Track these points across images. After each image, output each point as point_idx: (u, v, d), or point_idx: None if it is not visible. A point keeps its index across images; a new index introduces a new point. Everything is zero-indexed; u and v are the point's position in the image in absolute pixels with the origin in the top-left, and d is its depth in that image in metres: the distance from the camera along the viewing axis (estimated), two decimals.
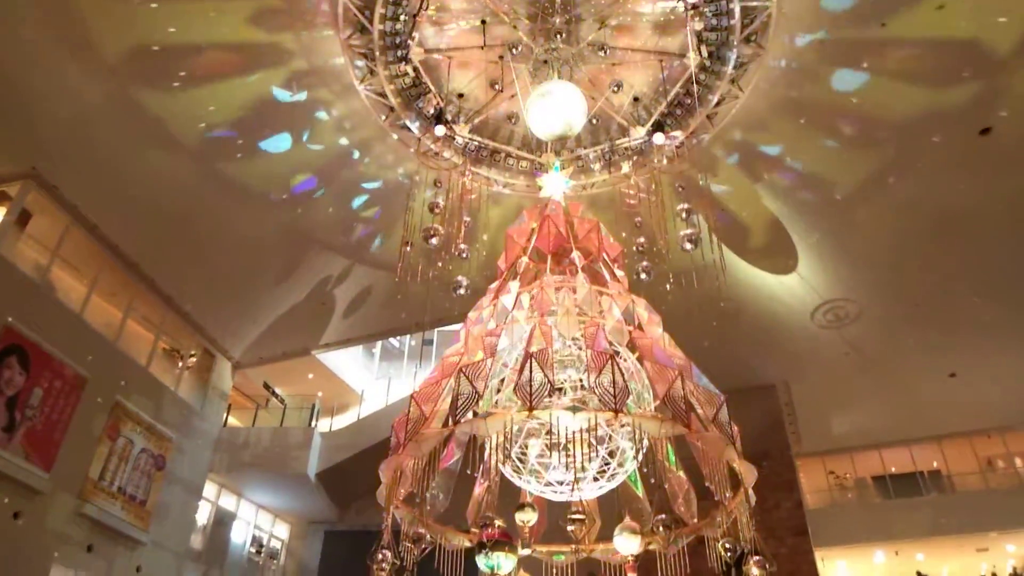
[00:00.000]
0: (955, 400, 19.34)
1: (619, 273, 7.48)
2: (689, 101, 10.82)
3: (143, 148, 11.93)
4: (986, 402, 19.69)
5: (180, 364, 17.15)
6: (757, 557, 5.85)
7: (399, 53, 10.39)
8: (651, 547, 6.85)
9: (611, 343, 6.27)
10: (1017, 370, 18.13)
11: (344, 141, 12.16)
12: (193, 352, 17.44)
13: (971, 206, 12.73)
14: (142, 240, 14.40)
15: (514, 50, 10.02)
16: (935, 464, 22.21)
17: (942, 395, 19.06)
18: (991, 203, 12.64)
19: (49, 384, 12.84)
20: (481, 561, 5.88)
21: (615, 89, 10.73)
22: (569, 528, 6.82)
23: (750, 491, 6.10)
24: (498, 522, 6.15)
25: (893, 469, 22.34)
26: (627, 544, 6.37)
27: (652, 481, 6.90)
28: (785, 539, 17.17)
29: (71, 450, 13.18)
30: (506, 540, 5.93)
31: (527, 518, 6.09)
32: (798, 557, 17.05)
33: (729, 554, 6.37)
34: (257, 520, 20.69)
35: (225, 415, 19.14)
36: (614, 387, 5.38)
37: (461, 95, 11.21)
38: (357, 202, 13.61)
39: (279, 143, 12.13)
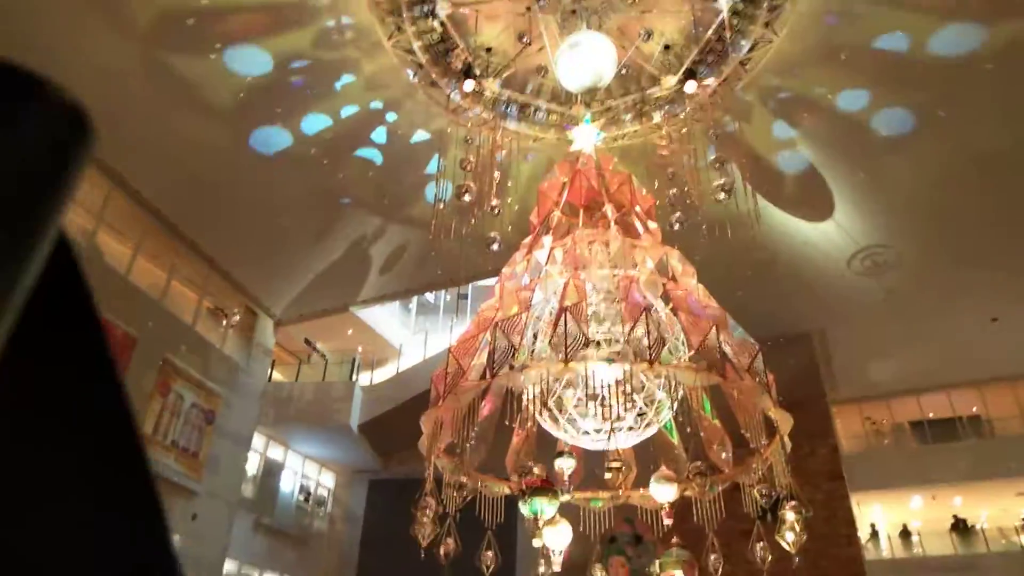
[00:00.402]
0: (997, 344, 19.03)
1: (652, 225, 7.51)
2: (721, 47, 10.58)
3: (180, 114, 12.13)
4: None
5: (224, 322, 17.67)
6: (793, 502, 6.00)
7: (426, 8, 10.32)
8: (687, 494, 7.02)
9: (645, 295, 6.35)
10: None
11: (374, 100, 12.19)
12: (236, 310, 17.94)
13: (1010, 147, 12.35)
14: (182, 204, 14.74)
15: (541, 1, 9.88)
16: (975, 409, 22.00)
17: (983, 340, 18.77)
18: None
19: None
20: (524, 507, 6.09)
21: (645, 38, 10.54)
22: (606, 476, 7.01)
23: (785, 438, 6.21)
24: (537, 470, 6.34)
25: (931, 415, 22.21)
26: (663, 492, 6.54)
27: (688, 430, 7.03)
28: (821, 485, 17.29)
29: None
30: (548, 486, 6.12)
31: (566, 465, 6.27)
32: (834, 502, 17.19)
33: (764, 500, 6.51)
34: (304, 470, 21.49)
35: (269, 370, 19.75)
36: (648, 338, 5.48)
37: (489, 49, 11.10)
38: (389, 160, 13.70)
39: (310, 105, 12.22)
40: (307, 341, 22.32)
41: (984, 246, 15.08)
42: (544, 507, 6.01)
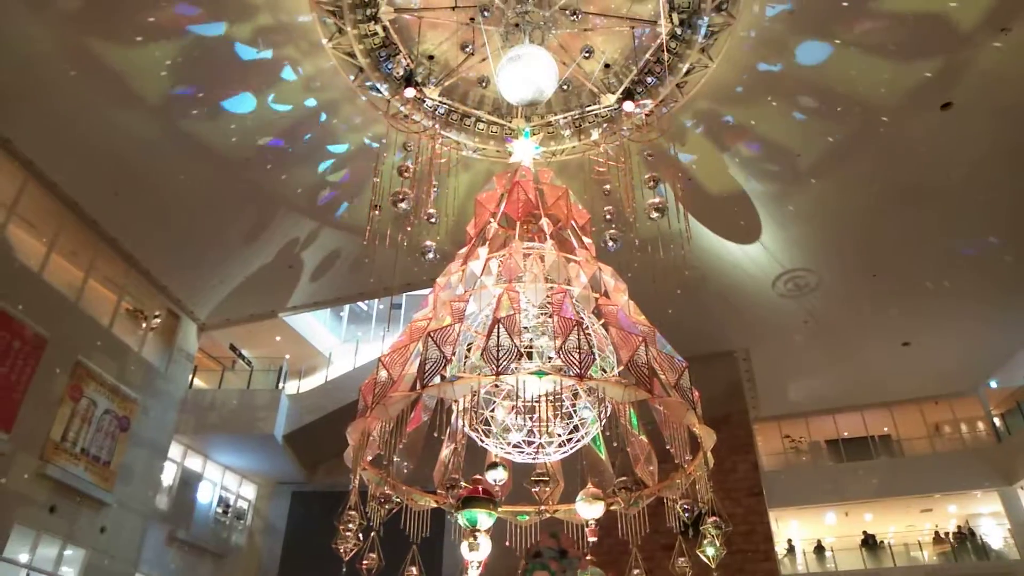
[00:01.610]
0: (907, 368, 20.04)
1: (587, 240, 7.57)
2: (660, 69, 10.84)
3: (103, 103, 11.62)
4: (936, 371, 20.45)
5: (144, 325, 16.94)
6: (713, 517, 6.10)
7: (368, 11, 10.21)
8: (612, 508, 7.07)
9: (577, 310, 6.38)
10: (966, 341, 18.86)
11: (311, 102, 11.97)
12: (157, 313, 17.23)
13: (930, 180, 13.09)
14: (103, 198, 14.09)
15: (486, 12, 9.92)
16: (886, 429, 23.06)
17: (895, 363, 19.73)
18: (950, 178, 13.00)
19: (7, 344, 12.62)
20: (460, 517, 6.00)
21: (586, 55, 10.71)
22: (533, 489, 6.99)
23: (709, 454, 6.32)
24: (483, 476, 6.23)
25: (846, 433, 23.16)
26: (589, 510, 6.56)
27: (615, 444, 7.08)
28: (741, 500, 17.77)
29: (32, 411, 13.03)
30: (486, 497, 6.05)
31: (498, 476, 6.21)
32: (753, 517, 17.68)
33: (687, 514, 6.60)
34: (224, 481, 20.75)
35: (191, 377, 19.03)
36: (579, 353, 5.49)
37: (431, 57, 11.07)
38: (324, 164, 13.45)
39: (244, 101, 11.90)
40: (233, 347, 21.62)
41: (899, 274, 15.89)
42: (481, 517, 5.94)
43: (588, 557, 6.49)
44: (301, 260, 16.31)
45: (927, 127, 11.84)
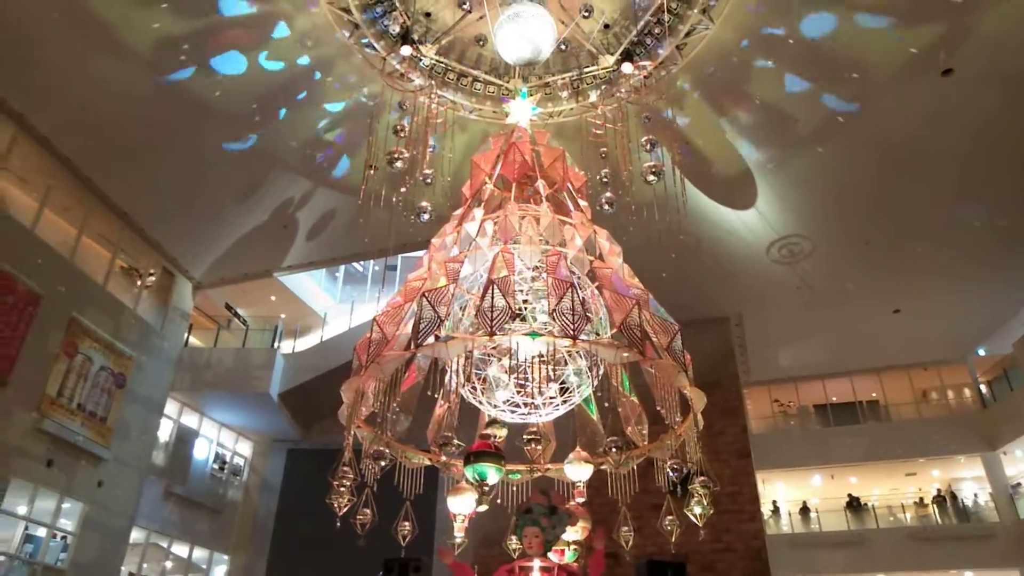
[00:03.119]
0: (897, 335, 20.23)
1: (582, 203, 7.58)
2: (659, 31, 10.70)
3: (96, 57, 11.43)
4: (926, 338, 20.66)
5: (139, 283, 16.92)
6: (702, 477, 6.23)
7: None
8: (603, 468, 7.20)
9: (572, 272, 6.42)
10: (957, 309, 19.02)
11: (304, 60, 11.80)
12: (152, 271, 17.19)
13: (928, 148, 13.06)
14: (96, 154, 13.94)
15: None
16: (874, 395, 23.36)
17: (885, 330, 19.91)
18: (947, 145, 12.97)
19: (1, 300, 12.62)
20: (468, 471, 6.13)
21: (585, 14, 10.53)
22: (525, 448, 7.11)
23: (699, 416, 6.43)
24: (494, 432, 6.34)
25: (834, 398, 23.46)
26: (578, 472, 6.68)
27: (606, 405, 7.18)
28: (729, 461, 18.06)
29: (27, 366, 13.10)
30: (494, 451, 6.18)
31: (499, 433, 6.34)
32: (741, 478, 18.01)
33: (676, 474, 6.73)
34: (220, 438, 20.95)
35: (186, 335, 19.08)
36: (573, 314, 5.55)
37: (428, 14, 10.90)
38: (318, 124, 13.32)
39: (237, 57, 11.73)
40: (228, 306, 21.65)
41: (892, 242, 15.94)
42: (489, 472, 6.07)
43: (572, 503, 6.62)
44: (296, 220, 16.25)
45: (927, 94, 11.76)
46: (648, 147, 8.86)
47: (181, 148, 13.55)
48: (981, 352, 22.51)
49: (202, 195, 15.14)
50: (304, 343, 21.66)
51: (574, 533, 6.33)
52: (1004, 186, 13.95)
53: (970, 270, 16.89)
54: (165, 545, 18.48)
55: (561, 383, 6.54)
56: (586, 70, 11.50)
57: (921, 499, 21.34)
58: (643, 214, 10.64)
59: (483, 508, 6.40)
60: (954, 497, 21.20)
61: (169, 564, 18.93)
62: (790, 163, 13.75)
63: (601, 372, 6.69)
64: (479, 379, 6.54)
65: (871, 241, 15.86)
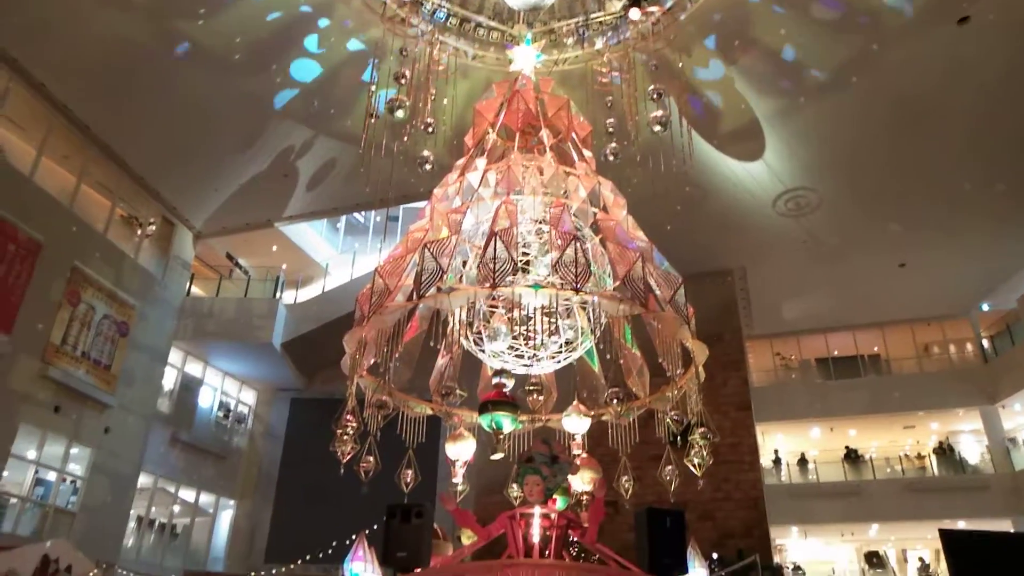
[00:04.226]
0: (901, 290, 20.16)
1: (587, 154, 7.44)
2: None
3: (90, 1, 11.13)
4: (930, 293, 20.60)
5: (139, 232, 16.85)
6: (702, 428, 6.26)
7: None
8: (604, 419, 7.23)
9: (575, 224, 6.33)
10: (962, 264, 18.91)
11: (306, 7, 11.49)
12: (152, 220, 17.11)
13: (939, 101, 12.77)
14: (93, 101, 13.73)
15: None
16: (876, 349, 23.40)
17: (890, 284, 19.83)
18: (958, 99, 12.69)
19: (2, 247, 12.59)
20: (484, 420, 6.18)
21: None
22: (527, 398, 7.13)
23: (700, 369, 6.42)
24: (503, 381, 6.35)
25: (836, 352, 23.51)
26: (576, 424, 6.71)
27: (608, 357, 7.17)
28: (730, 413, 18.22)
29: (31, 314, 13.14)
30: (508, 401, 6.22)
31: (507, 383, 6.36)
32: (740, 430, 18.20)
33: (676, 425, 6.76)
34: (224, 386, 21.15)
35: (188, 284, 19.10)
36: (576, 267, 5.49)
37: None
38: (318, 71, 13.04)
39: (234, 4, 11.43)
40: (229, 256, 21.60)
41: (900, 196, 15.74)
42: (505, 421, 6.12)
43: (579, 457, 6.68)
44: (296, 169, 16.08)
45: (943, 43, 11.45)
46: (655, 96, 8.66)
47: (180, 95, 13.31)
48: (985, 307, 22.46)
49: (202, 143, 14.95)
50: (306, 293, 21.68)
51: (583, 483, 6.39)
52: (1013, 143, 13.70)
53: (976, 225, 16.73)
54: (172, 490, 18.83)
55: (562, 344, 6.52)
56: (592, 16, 11.20)
57: (919, 452, 21.57)
58: (648, 165, 10.47)
59: (499, 456, 6.47)
60: (951, 450, 21.44)
61: (177, 508, 19.33)
62: (799, 114, 13.48)
63: (603, 324, 6.66)
64: (482, 330, 6.52)
65: (879, 194, 15.67)
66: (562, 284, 5.63)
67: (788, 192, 15.86)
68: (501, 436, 6.28)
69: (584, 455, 6.72)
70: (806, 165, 15.03)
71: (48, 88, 13.25)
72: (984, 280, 20.43)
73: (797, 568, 20.07)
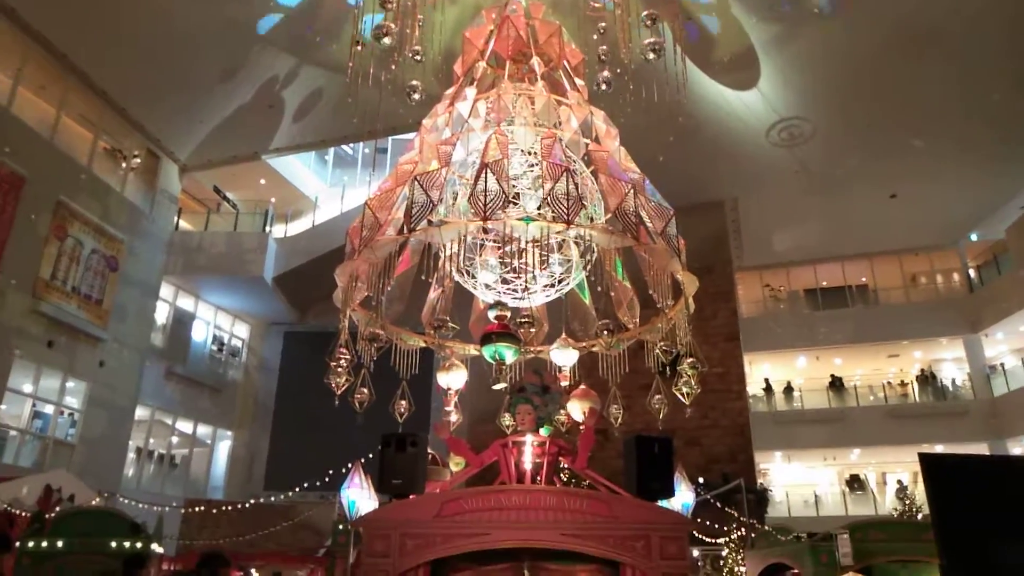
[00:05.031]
0: (891, 220, 20.23)
1: (579, 82, 7.29)
2: None
3: None
4: (920, 223, 20.68)
5: (124, 165, 16.57)
6: (690, 359, 6.36)
7: None
8: (594, 350, 7.33)
9: (567, 155, 6.26)
10: (952, 194, 18.93)
11: None
12: (136, 153, 16.80)
13: (941, 24, 12.50)
14: (70, 29, 13.26)
15: None
16: (864, 279, 23.63)
17: (880, 215, 19.88)
18: (955, 26, 12.42)
19: None
20: (487, 351, 6.27)
21: None
22: (519, 330, 7.19)
23: (690, 300, 6.48)
24: (500, 313, 6.42)
25: (824, 283, 23.74)
26: (563, 356, 6.79)
27: (599, 289, 7.21)
28: (718, 344, 18.52)
29: (18, 249, 13.04)
30: (510, 333, 6.30)
31: (503, 314, 6.43)
32: (728, 360, 18.54)
33: (666, 355, 6.86)
34: (217, 321, 21.23)
35: (176, 218, 18.92)
36: (567, 199, 5.45)
37: None
38: None
39: None
40: (216, 189, 21.32)
41: (894, 124, 15.60)
42: (506, 352, 6.23)
43: (583, 386, 6.81)
44: (282, 99, 15.72)
45: None
46: (649, 22, 8.41)
47: (160, 21, 12.87)
48: (974, 237, 22.59)
49: (184, 73, 14.54)
50: (296, 227, 21.55)
51: (578, 413, 6.54)
52: (1006, 74, 13.50)
53: (969, 153, 16.66)
54: (169, 422, 19.13)
55: (556, 276, 6.53)
56: None
57: (902, 380, 22.07)
58: (642, 94, 10.27)
59: (501, 386, 6.61)
60: (933, 377, 21.94)
61: (175, 439, 19.68)
62: (796, 41, 13.20)
63: (594, 257, 6.67)
64: (473, 264, 6.52)
65: (873, 123, 15.52)
66: (553, 217, 5.60)
67: (782, 122, 15.68)
68: (504, 367, 6.40)
69: (583, 386, 6.85)
70: (801, 94, 14.81)
71: (20, 14, 12.76)
72: (974, 210, 20.50)
73: (765, 490, 20.14)
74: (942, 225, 21.12)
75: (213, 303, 20.88)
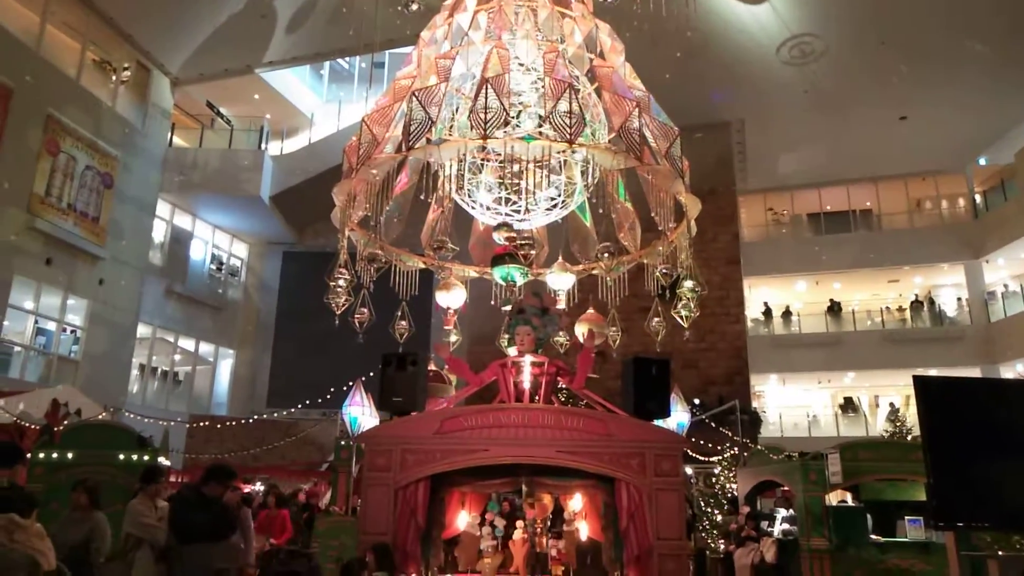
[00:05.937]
0: (899, 143, 19.85)
1: None
2: None
3: None
4: (928, 146, 20.29)
5: (114, 78, 16.11)
6: (690, 282, 6.32)
7: None
8: (594, 272, 7.28)
9: (570, 71, 6.04)
10: (962, 117, 18.53)
11: None
12: (127, 65, 16.30)
13: None
14: None
15: None
16: (868, 204, 23.39)
17: (888, 138, 19.49)
18: None
19: None
20: (497, 273, 6.27)
21: None
22: (519, 252, 7.12)
23: (692, 223, 6.38)
24: (503, 234, 6.38)
25: (828, 207, 23.50)
26: (559, 280, 6.74)
27: (600, 211, 7.10)
28: (719, 268, 18.51)
29: (10, 164, 12.85)
30: (518, 255, 6.29)
31: (505, 237, 6.37)
32: (728, 284, 18.59)
33: (665, 278, 6.82)
34: (215, 240, 21.13)
35: (169, 134, 18.55)
36: (570, 117, 5.28)
37: None
38: None
39: None
40: (210, 104, 20.80)
41: (908, 45, 15.08)
42: (516, 274, 6.23)
43: (590, 311, 6.84)
44: (274, 9, 15.14)
45: None
46: None
47: None
48: (982, 162, 22.21)
49: None
50: (292, 144, 21.15)
51: (581, 334, 6.62)
52: None
53: (981, 73, 16.18)
54: (171, 340, 19.33)
55: (555, 199, 6.40)
56: None
57: (900, 305, 22.16)
58: (649, 7, 9.86)
59: (509, 307, 6.65)
60: (931, 303, 22.03)
61: (178, 357, 19.94)
62: None
63: (596, 178, 6.53)
64: (474, 184, 6.39)
65: (886, 41, 15.00)
66: (555, 136, 5.44)
67: (793, 39, 15.16)
68: (514, 289, 6.42)
69: (591, 310, 6.88)
70: (814, 10, 14.26)
71: None
72: (984, 134, 20.10)
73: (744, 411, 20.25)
74: (950, 149, 20.73)
75: (211, 222, 20.73)
